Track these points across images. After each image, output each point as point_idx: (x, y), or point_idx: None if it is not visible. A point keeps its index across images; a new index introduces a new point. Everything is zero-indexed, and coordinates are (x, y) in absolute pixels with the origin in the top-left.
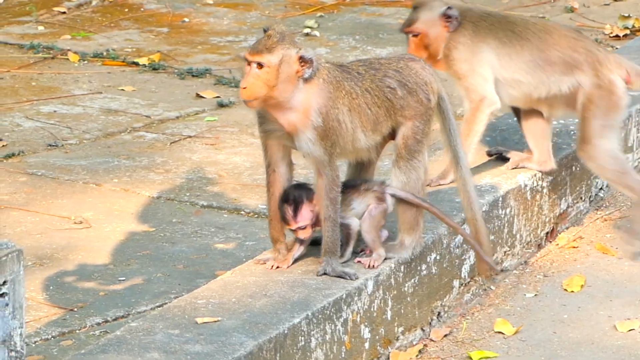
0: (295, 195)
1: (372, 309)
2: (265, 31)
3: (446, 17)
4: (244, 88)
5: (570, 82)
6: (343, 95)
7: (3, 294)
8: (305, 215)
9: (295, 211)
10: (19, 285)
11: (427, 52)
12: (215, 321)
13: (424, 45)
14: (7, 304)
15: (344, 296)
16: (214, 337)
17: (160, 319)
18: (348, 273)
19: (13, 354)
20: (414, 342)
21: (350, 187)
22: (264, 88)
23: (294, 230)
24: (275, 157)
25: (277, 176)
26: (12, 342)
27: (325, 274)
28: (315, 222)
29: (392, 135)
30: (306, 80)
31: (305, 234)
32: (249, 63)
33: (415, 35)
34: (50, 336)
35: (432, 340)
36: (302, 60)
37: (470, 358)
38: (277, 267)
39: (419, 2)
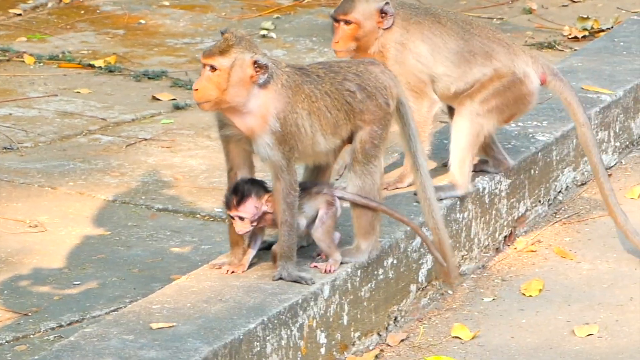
0: (245, 188)
1: (328, 314)
2: (222, 33)
3: (382, 12)
4: (196, 90)
5: (488, 71)
6: (302, 99)
7: None
8: (249, 208)
9: (240, 201)
10: None
11: (356, 44)
12: (170, 326)
13: (355, 36)
14: None
15: (300, 301)
16: (169, 342)
17: (114, 324)
18: (304, 278)
19: None
20: (371, 347)
21: (301, 190)
22: (216, 91)
23: (232, 218)
24: (236, 161)
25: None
26: None
27: (281, 278)
28: (258, 222)
29: (350, 139)
30: (262, 85)
31: (242, 227)
32: (204, 65)
33: (347, 23)
34: (4, 341)
35: (389, 345)
36: (257, 65)
37: None
38: (233, 272)
39: None
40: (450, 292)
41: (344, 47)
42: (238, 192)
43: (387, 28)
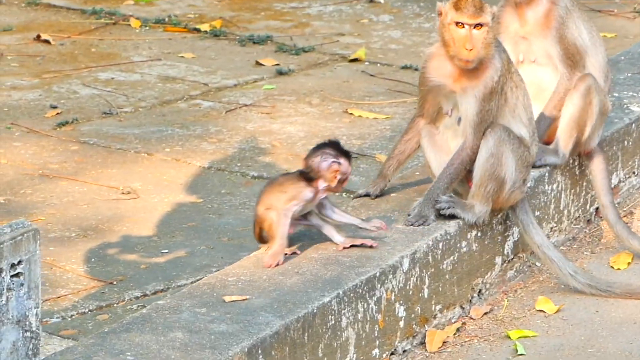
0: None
1: (407, 287)
2: None
3: None
4: (471, 50)
5: None
6: (512, 72)
7: (18, 273)
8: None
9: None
10: (34, 265)
11: None
12: (243, 299)
13: None
14: (22, 284)
15: (378, 274)
16: (241, 316)
17: (188, 296)
18: (426, 218)
19: (28, 334)
20: (453, 320)
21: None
22: (486, 47)
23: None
24: (430, 110)
25: (421, 125)
26: (27, 322)
27: (409, 215)
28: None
29: None
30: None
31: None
32: (466, 25)
33: None
34: (87, 310)
35: (472, 319)
36: (494, 16)
37: (509, 337)
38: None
39: None
40: (538, 264)
41: None
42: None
43: None
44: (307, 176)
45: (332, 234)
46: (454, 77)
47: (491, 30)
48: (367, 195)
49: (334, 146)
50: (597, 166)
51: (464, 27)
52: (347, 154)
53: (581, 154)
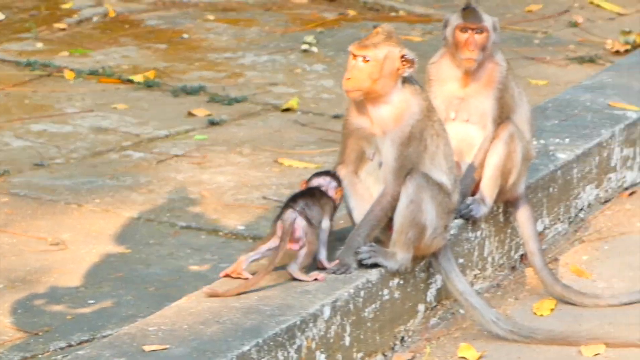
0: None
1: (328, 335)
2: (374, 27)
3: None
4: (348, 79)
5: None
6: (435, 120)
7: None
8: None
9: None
10: None
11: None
12: (163, 349)
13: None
14: None
15: (299, 322)
16: None
17: (108, 346)
18: (347, 266)
19: None
20: None
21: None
22: (367, 81)
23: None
24: (350, 156)
25: (342, 172)
26: None
27: (345, 266)
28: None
29: None
30: (405, 80)
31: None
32: (355, 57)
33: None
34: None
35: None
36: (404, 58)
37: None
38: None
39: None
40: (461, 311)
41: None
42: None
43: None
44: None
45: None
46: (373, 120)
47: (381, 67)
48: None
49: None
50: (523, 213)
51: (355, 58)
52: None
53: (507, 201)
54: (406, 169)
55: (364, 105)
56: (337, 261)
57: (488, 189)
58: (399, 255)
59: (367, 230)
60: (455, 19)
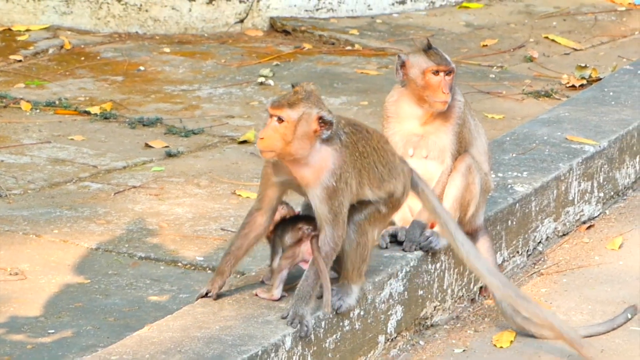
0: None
1: None
2: (293, 87)
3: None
4: (262, 139)
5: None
6: (356, 157)
7: None
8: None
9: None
10: None
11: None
12: None
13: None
14: None
15: (260, 352)
16: None
17: None
18: (308, 326)
19: None
20: None
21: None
22: (281, 142)
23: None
24: (269, 204)
25: (259, 220)
26: None
27: (285, 317)
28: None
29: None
30: (324, 140)
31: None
32: (271, 116)
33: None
34: None
35: None
36: (322, 120)
37: None
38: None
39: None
40: (421, 342)
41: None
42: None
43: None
44: None
45: None
46: (294, 175)
47: (295, 128)
48: (207, 295)
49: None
50: (482, 245)
51: (271, 117)
52: None
53: (466, 233)
54: (343, 215)
55: (281, 163)
56: (291, 312)
57: None
58: (354, 288)
59: (314, 279)
60: (422, 62)
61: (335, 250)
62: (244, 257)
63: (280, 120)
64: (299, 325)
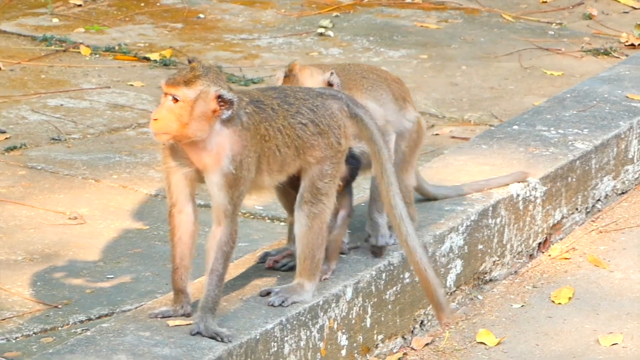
0: None
1: (350, 316)
2: (189, 62)
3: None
4: (155, 120)
5: None
6: (257, 140)
7: None
8: None
9: None
10: None
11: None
12: (187, 324)
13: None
14: None
15: (321, 303)
16: (184, 340)
17: (132, 320)
18: (222, 334)
19: None
20: (394, 350)
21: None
22: (176, 123)
23: None
24: (181, 196)
25: (183, 217)
26: None
27: (198, 333)
28: None
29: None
30: (224, 121)
31: None
32: (165, 94)
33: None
34: (31, 332)
35: (413, 349)
36: (221, 99)
37: None
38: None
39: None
40: (480, 297)
41: None
42: None
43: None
44: None
45: None
46: (192, 160)
47: (192, 109)
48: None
49: None
50: None
51: (165, 95)
52: None
53: None
54: (239, 207)
55: (178, 146)
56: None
57: None
58: (307, 285)
59: (217, 281)
60: None
61: (233, 250)
62: (191, 260)
63: (175, 99)
64: (218, 338)
